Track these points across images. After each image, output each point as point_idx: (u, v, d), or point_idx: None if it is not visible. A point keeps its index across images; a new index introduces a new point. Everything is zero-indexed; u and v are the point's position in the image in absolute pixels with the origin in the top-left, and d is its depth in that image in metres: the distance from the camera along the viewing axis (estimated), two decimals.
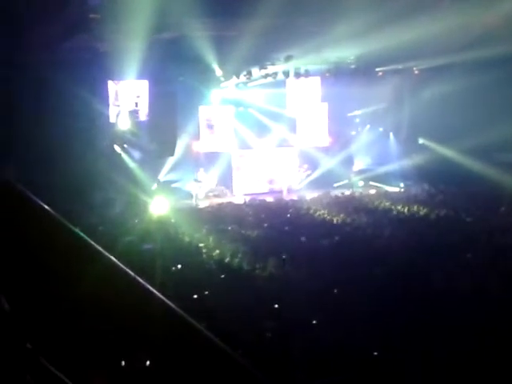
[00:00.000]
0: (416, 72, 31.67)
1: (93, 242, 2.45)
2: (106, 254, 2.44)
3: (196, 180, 29.65)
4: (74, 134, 24.79)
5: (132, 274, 2.46)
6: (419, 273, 12.61)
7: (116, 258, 2.47)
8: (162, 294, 2.48)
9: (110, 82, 28.50)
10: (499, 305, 10.49)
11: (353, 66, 30.61)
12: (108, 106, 28.64)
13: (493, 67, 25.63)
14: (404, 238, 17.05)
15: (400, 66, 30.60)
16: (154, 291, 2.46)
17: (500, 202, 22.97)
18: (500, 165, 28.10)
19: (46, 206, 2.41)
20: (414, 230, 18.17)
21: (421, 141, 33.00)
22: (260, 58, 28.30)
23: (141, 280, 2.46)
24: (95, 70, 25.78)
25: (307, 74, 30.71)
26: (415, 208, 23.07)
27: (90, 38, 24.43)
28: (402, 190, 30.19)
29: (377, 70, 31.30)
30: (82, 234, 2.44)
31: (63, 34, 23.42)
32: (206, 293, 11.67)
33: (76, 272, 2.35)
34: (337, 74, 31.24)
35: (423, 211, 22.19)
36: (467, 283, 11.86)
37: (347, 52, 28.86)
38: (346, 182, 31.35)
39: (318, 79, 32.13)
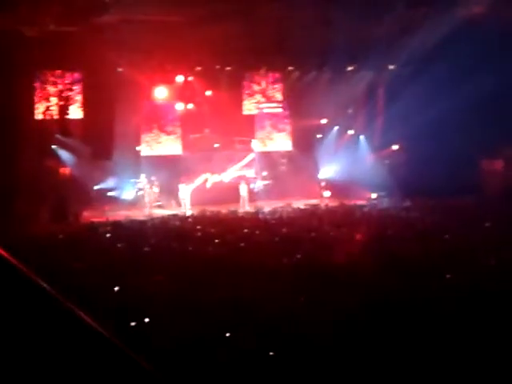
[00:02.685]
0: (391, 68, 32.09)
1: (14, 261, 2.45)
2: (30, 274, 2.44)
3: (139, 188, 29.48)
4: None
5: (60, 297, 2.46)
6: (393, 300, 12.72)
7: (41, 279, 2.47)
8: (95, 321, 2.49)
9: (36, 72, 28.16)
10: (479, 334, 10.66)
11: (319, 60, 30.88)
12: (34, 100, 28.29)
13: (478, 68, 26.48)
14: (374, 258, 17.17)
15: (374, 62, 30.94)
16: (86, 318, 2.46)
17: (484, 217, 23.30)
18: (488, 173, 28.75)
19: None
20: (387, 250, 18.32)
21: (396, 146, 33.45)
22: (216, 47, 28.15)
23: (70, 305, 2.46)
24: (19, 57, 25.43)
25: (269, 68, 30.89)
26: (388, 223, 23.30)
27: (14, 19, 24.09)
28: (374, 201, 30.47)
29: (347, 65, 31.67)
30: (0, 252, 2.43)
31: None
32: (147, 320, 11.59)
33: None
34: (301, 68, 31.49)
35: (397, 227, 22.41)
36: (447, 310, 12.02)
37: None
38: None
39: (280, 74, 32.35)
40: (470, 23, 26.33)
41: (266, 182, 32.11)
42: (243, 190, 30.47)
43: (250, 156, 32.56)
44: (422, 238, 20.32)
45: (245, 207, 29.54)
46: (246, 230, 22.53)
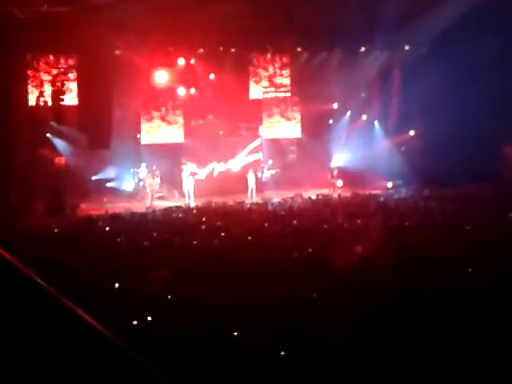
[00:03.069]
0: (407, 48, 31.95)
1: (8, 256, 2.42)
2: (25, 270, 2.42)
3: (140, 178, 29.43)
4: None
5: (57, 294, 2.43)
6: (410, 294, 12.69)
7: (37, 274, 2.45)
8: (95, 319, 2.47)
9: (29, 56, 28.14)
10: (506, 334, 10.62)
11: (330, 40, 30.76)
12: (27, 85, 28.28)
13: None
14: (392, 251, 17.16)
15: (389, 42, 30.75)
16: (85, 315, 2.44)
17: (508, 206, 23.25)
18: None
19: None
20: (405, 242, 18.30)
21: (412, 132, 33.38)
22: (220, 27, 27.94)
23: (68, 302, 2.44)
24: (10, 40, 25.41)
25: (276, 49, 30.78)
26: (406, 214, 23.25)
27: (4, 0, 24.07)
28: (390, 191, 30.41)
29: (360, 45, 31.57)
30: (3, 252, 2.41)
31: None
32: (149, 318, 11.60)
33: None
34: (311, 49, 31.39)
35: (415, 218, 22.38)
36: (468, 306, 11.99)
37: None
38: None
39: (288, 57, 32.26)
40: None
41: (274, 171, 32.02)
42: (251, 180, 30.42)
43: (257, 141, 32.47)
44: (441, 229, 20.31)
45: (252, 198, 29.50)
46: (253, 223, 22.52)
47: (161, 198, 29.59)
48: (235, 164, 31.90)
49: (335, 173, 31.91)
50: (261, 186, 31.05)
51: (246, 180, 30.47)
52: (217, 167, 31.59)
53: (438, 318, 11.37)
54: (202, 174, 30.95)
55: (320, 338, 10.60)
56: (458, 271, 14.82)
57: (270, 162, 32.25)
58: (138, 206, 27.54)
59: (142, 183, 29.48)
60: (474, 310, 11.59)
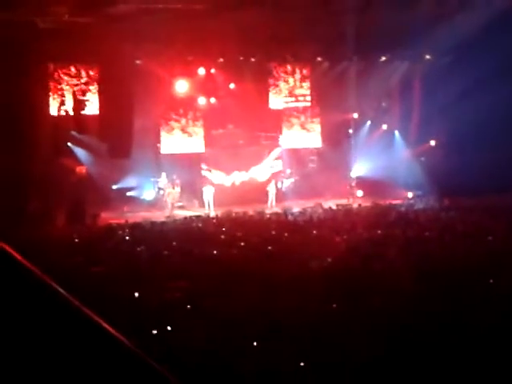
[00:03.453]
0: (428, 58, 31.86)
1: (27, 263, 2.42)
2: (44, 277, 2.41)
3: (160, 187, 29.47)
4: (4, 128, 24.58)
5: (76, 303, 2.43)
6: (431, 305, 12.62)
7: (57, 283, 2.44)
8: (114, 329, 2.46)
9: (51, 66, 28.31)
10: None
11: (350, 50, 30.72)
12: (48, 94, 28.44)
13: None
14: (412, 261, 17.09)
15: (409, 51, 30.71)
16: (104, 324, 2.43)
17: None
18: None
19: None
20: (425, 252, 18.22)
21: (433, 142, 33.21)
22: (240, 37, 27.98)
23: (87, 311, 2.43)
24: (33, 50, 25.58)
25: (296, 58, 30.76)
26: (426, 224, 23.14)
27: (26, 10, 24.25)
28: (410, 201, 30.28)
29: (380, 54, 31.49)
30: (13, 253, 2.41)
31: None
32: (169, 328, 11.59)
33: (7, 300, 2.31)
34: (331, 58, 31.35)
35: (435, 229, 22.26)
36: (490, 316, 11.90)
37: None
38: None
39: (308, 68, 32.24)
40: None
41: (293, 180, 31.98)
42: (271, 189, 30.43)
43: (277, 151, 32.45)
44: (462, 239, 20.18)
45: (272, 207, 29.46)
46: (273, 233, 22.48)
47: (181, 207, 29.62)
48: (256, 173, 31.88)
49: (355, 183, 31.82)
50: (280, 195, 31.05)
51: (265, 189, 30.47)
52: (238, 176, 31.59)
53: (459, 328, 11.28)
54: (228, 181, 31.03)
55: (339, 348, 10.53)
56: (479, 282, 14.71)
57: (289, 171, 32.23)
58: (158, 216, 27.56)
59: (162, 192, 29.52)
60: (496, 321, 11.49)
